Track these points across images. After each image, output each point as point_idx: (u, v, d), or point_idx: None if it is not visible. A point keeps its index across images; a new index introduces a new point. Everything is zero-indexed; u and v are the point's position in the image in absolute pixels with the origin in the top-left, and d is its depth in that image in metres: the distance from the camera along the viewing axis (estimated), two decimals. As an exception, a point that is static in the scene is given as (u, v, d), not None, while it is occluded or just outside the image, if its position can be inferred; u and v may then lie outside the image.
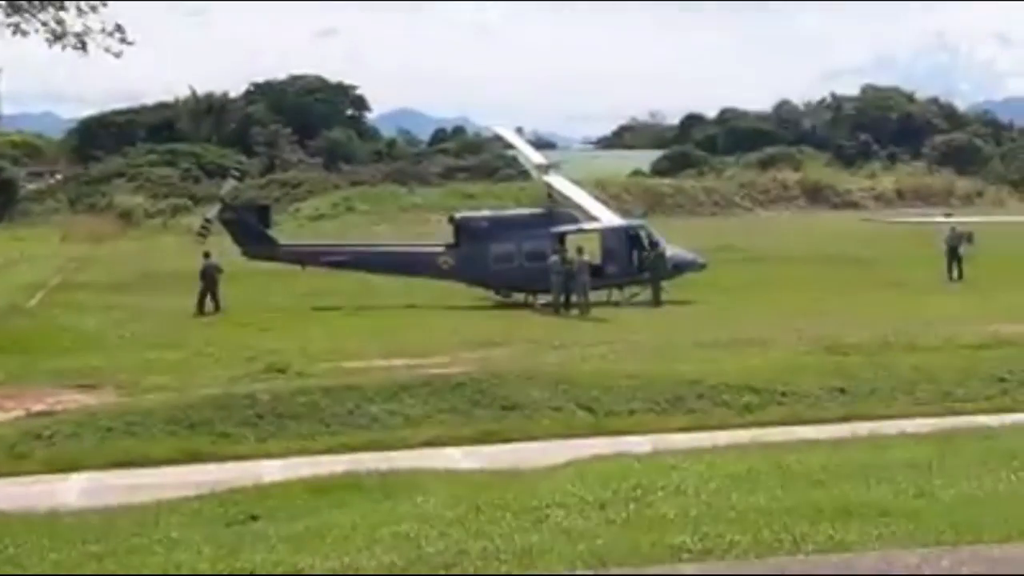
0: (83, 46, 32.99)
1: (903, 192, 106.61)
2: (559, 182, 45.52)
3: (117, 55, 33.46)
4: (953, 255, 45.55)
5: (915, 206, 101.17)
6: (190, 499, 14.28)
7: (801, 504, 11.18)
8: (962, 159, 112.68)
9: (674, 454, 15.47)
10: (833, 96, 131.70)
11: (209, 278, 39.53)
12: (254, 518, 12.54)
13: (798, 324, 30.99)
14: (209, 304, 39.24)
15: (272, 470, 18.28)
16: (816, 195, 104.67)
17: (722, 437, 18.98)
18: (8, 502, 15.58)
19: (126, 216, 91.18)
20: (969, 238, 47.00)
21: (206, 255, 40.21)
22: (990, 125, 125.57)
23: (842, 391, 23.63)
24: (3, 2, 32.64)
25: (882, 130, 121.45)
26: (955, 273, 45.12)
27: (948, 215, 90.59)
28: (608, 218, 44.44)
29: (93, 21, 32.92)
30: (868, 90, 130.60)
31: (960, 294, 39.09)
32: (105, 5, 32.75)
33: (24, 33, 32.67)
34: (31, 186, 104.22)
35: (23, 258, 64.13)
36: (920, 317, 31.88)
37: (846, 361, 25.39)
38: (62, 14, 32.62)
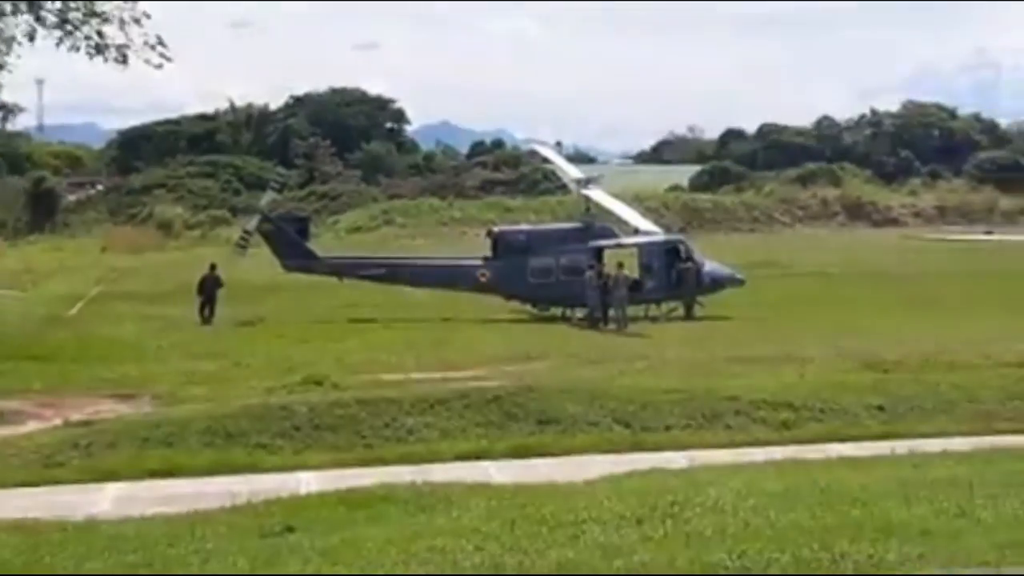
0: (124, 59, 33.34)
1: (944, 209, 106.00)
2: (599, 195, 45.47)
3: (157, 67, 33.82)
4: None
5: (956, 223, 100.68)
6: (225, 510, 14.28)
7: (841, 522, 11.08)
8: (1004, 176, 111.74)
9: (711, 470, 15.41)
10: (874, 112, 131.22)
11: (206, 288, 39.88)
12: (290, 530, 12.52)
13: (837, 341, 30.80)
14: (199, 313, 39.69)
15: (308, 482, 18.27)
16: (856, 212, 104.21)
17: (759, 454, 18.87)
18: (45, 511, 15.64)
19: (166, 227, 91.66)
20: None
21: (212, 267, 40.52)
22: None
23: (881, 409, 23.43)
24: (52, 16, 33.06)
25: (923, 147, 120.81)
26: None
27: (989, 233, 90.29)
28: (648, 228, 44.41)
29: (134, 34, 33.28)
30: (909, 106, 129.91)
31: (1001, 312, 38.69)
32: (149, 17, 33.09)
33: (70, 47, 33.08)
34: (72, 197, 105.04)
35: (63, 268, 64.59)
36: (961, 335, 31.62)
37: (886, 378, 25.20)
38: (105, 28, 32.99)
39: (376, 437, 21.50)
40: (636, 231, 43.67)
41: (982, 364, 26.87)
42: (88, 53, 33.23)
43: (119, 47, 33.33)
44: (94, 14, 33.01)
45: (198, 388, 25.30)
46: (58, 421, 22.29)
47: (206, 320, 39.40)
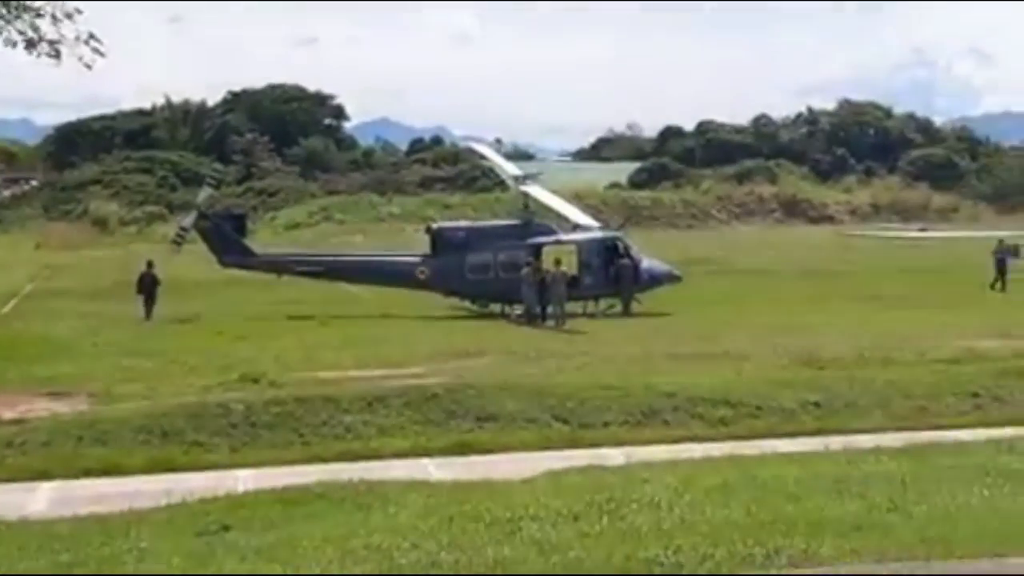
0: (57, 54, 32.91)
1: (879, 206, 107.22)
2: (538, 192, 45.54)
3: (89, 66, 33.35)
4: (1000, 267, 47.17)
5: (891, 220, 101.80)
6: (161, 509, 14.19)
7: (775, 518, 11.16)
8: (938, 174, 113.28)
9: (648, 467, 15.46)
10: (810, 110, 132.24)
11: (145, 286, 39.73)
12: (226, 528, 12.46)
13: (774, 337, 31.03)
14: (144, 310, 39.53)
15: (245, 480, 18.17)
16: (793, 208, 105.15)
17: (697, 450, 18.97)
18: (-23, 510, 15.46)
19: (101, 223, 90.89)
20: (1015, 252, 47.90)
21: (149, 264, 40.29)
22: (966, 141, 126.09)
23: (817, 405, 23.64)
24: None
25: (859, 144, 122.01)
26: (999, 284, 46.56)
27: (923, 230, 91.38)
28: (587, 223, 44.62)
29: (67, 29, 32.84)
30: (845, 104, 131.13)
31: (935, 308, 39.15)
32: (81, 13, 32.65)
33: (4, 41, 32.63)
34: (6, 192, 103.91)
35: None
36: (895, 331, 31.97)
37: (821, 375, 25.42)
38: (38, 21, 32.57)
39: (314, 435, 21.44)
40: (576, 227, 43.83)
41: (916, 360, 27.17)
42: (24, 47, 32.76)
43: (51, 43, 32.90)
44: (26, 9, 32.54)
45: (134, 386, 25.10)
46: (-9, 420, 22.05)
47: (147, 317, 39.13)
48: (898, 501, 11.85)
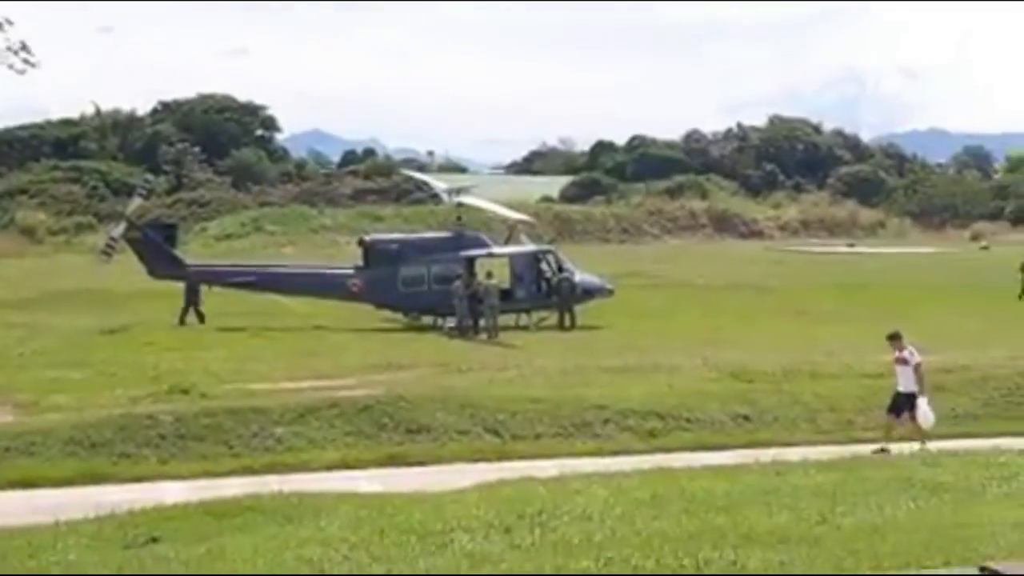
0: None
1: (808, 222, 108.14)
2: (472, 200, 45.70)
3: (21, 73, 33.29)
4: None
5: (819, 236, 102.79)
6: (89, 521, 14.06)
7: (704, 529, 11.26)
8: (866, 190, 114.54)
9: (580, 479, 15.52)
10: (740, 126, 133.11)
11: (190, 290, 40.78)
12: (154, 540, 12.37)
13: (704, 350, 31.21)
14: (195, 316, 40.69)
15: (174, 492, 18.01)
16: (723, 224, 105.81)
17: (627, 462, 19.07)
18: (-100, 523, 15.23)
19: (28, 233, 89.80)
20: None
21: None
22: (894, 157, 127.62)
23: (746, 418, 23.85)
24: None
25: (788, 160, 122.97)
26: None
27: (851, 245, 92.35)
28: (522, 218, 45.35)
29: None
30: (775, 121, 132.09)
31: (862, 323, 39.55)
32: (12, 24, 32.59)
33: None
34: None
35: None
36: (823, 346, 32.27)
37: (751, 388, 25.63)
38: None
39: (244, 447, 21.34)
40: (514, 225, 44.34)
41: (843, 374, 27.45)
42: None
43: None
44: None
45: (61, 397, 24.84)
46: (-85, 431, 21.74)
47: (199, 320, 40.29)
48: (826, 514, 11.98)
